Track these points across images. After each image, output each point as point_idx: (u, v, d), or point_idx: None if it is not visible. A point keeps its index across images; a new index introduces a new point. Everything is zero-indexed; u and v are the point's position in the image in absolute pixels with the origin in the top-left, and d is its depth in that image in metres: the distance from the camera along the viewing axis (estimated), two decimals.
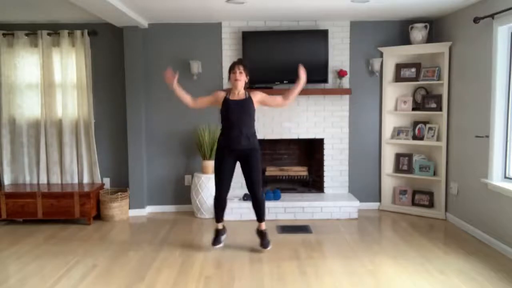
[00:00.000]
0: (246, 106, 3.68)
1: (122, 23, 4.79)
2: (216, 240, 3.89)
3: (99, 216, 4.91)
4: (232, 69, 3.73)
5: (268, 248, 3.81)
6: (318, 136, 5.17)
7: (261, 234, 3.88)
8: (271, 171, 5.34)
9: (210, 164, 4.88)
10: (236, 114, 3.65)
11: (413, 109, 5.01)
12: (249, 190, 3.82)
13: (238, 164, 3.82)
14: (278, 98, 3.78)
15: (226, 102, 3.69)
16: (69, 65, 5.01)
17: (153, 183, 5.21)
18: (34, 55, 5.04)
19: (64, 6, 4.21)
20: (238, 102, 3.68)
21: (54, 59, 5.02)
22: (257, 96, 3.74)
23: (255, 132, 3.80)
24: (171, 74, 3.68)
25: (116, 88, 5.12)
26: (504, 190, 3.70)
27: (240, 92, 3.72)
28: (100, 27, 5.00)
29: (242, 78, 3.68)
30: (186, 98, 3.80)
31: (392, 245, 3.95)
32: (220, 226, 3.94)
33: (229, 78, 3.77)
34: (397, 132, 5.11)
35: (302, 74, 3.65)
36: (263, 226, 3.89)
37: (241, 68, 3.69)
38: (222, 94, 3.77)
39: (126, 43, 4.93)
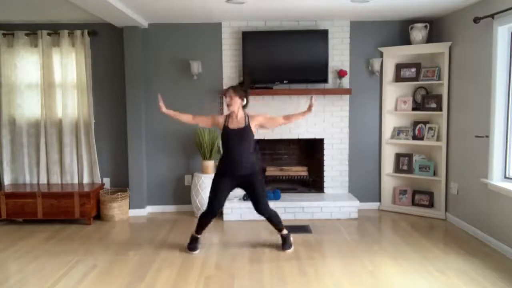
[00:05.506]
0: (244, 135, 3.68)
1: (122, 23, 4.79)
2: (195, 247, 3.86)
3: (99, 216, 4.92)
4: (224, 96, 3.81)
5: (288, 251, 3.84)
6: (318, 136, 5.17)
7: (282, 238, 3.93)
8: (271, 171, 5.34)
9: (210, 164, 4.88)
10: (235, 143, 3.66)
11: (413, 109, 5.01)
12: (256, 211, 3.82)
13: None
14: (279, 119, 3.84)
15: (226, 131, 3.70)
16: (69, 65, 5.01)
17: (153, 183, 5.21)
18: (34, 55, 5.04)
19: (64, 6, 4.21)
20: (237, 132, 3.67)
21: (54, 59, 5.02)
22: (257, 121, 3.74)
23: (254, 157, 3.79)
24: (161, 101, 3.82)
25: (116, 88, 5.12)
26: (504, 190, 3.70)
27: (239, 117, 3.71)
28: (100, 27, 5.00)
29: (233, 103, 3.66)
30: (183, 117, 3.89)
31: (392, 245, 3.95)
32: (198, 236, 3.91)
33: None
34: (397, 132, 5.11)
35: (312, 105, 3.74)
36: (284, 232, 3.92)
37: (231, 92, 3.67)
38: (221, 120, 3.77)
39: (126, 43, 4.93)
